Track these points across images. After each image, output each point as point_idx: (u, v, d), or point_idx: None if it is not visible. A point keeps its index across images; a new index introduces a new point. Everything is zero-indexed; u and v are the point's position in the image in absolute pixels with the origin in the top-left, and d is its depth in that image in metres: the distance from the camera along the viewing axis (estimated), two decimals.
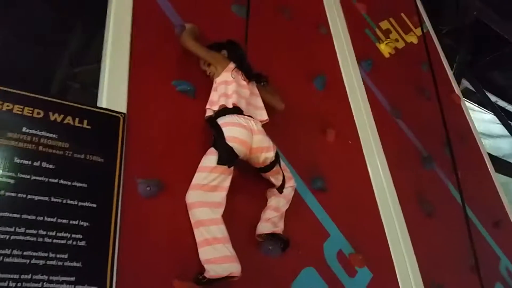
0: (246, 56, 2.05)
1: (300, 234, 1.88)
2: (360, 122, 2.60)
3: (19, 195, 1.29)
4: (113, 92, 1.66)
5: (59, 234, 1.30)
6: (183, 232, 1.56)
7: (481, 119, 6.32)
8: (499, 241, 2.97)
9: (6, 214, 1.24)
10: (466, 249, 2.44)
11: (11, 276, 1.17)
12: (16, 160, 1.33)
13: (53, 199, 1.34)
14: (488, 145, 5.84)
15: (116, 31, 1.83)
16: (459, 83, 4.62)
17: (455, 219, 2.66)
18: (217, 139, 1.68)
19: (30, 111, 1.44)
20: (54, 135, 1.44)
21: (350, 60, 2.88)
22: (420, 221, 2.50)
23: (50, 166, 1.38)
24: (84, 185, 1.41)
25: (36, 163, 1.36)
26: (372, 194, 2.35)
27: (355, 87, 2.76)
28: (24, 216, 1.27)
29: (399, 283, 2.11)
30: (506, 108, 6.38)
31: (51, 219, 1.31)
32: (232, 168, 1.65)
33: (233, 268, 1.48)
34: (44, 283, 1.21)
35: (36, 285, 1.20)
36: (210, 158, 1.64)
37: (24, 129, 1.39)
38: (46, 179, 1.36)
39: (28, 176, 1.33)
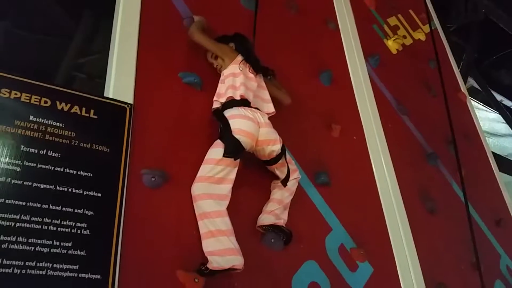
0: (254, 49, 2.04)
1: (303, 227, 1.89)
2: (366, 118, 2.60)
3: (25, 183, 1.30)
4: (120, 83, 1.66)
5: (64, 223, 1.31)
6: (187, 223, 1.57)
7: (486, 118, 6.30)
8: (500, 239, 2.98)
9: (12, 201, 1.25)
10: (467, 246, 2.44)
11: (16, 262, 1.18)
12: (23, 148, 1.34)
13: (58, 188, 1.35)
14: (492, 144, 5.83)
15: (124, 21, 1.83)
16: (465, 81, 4.60)
17: (457, 216, 2.66)
18: (223, 131, 1.69)
19: (38, 100, 1.44)
20: (60, 124, 1.44)
21: (357, 56, 2.87)
22: (422, 217, 2.51)
23: (56, 154, 1.39)
24: (90, 174, 1.42)
25: (43, 152, 1.37)
26: (375, 190, 2.35)
27: (362, 83, 2.75)
28: (29, 204, 1.27)
29: (400, 278, 2.12)
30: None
31: (56, 208, 1.32)
32: (238, 160, 1.65)
33: (236, 260, 1.49)
34: (48, 271, 1.22)
35: (40, 272, 1.21)
36: (217, 150, 1.64)
37: (31, 118, 1.40)
38: (52, 168, 1.37)
39: (34, 164, 1.34)
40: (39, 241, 1.24)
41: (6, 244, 1.19)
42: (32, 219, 1.26)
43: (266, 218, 1.75)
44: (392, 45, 3.30)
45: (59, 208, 1.32)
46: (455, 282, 2.41)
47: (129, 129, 1.57)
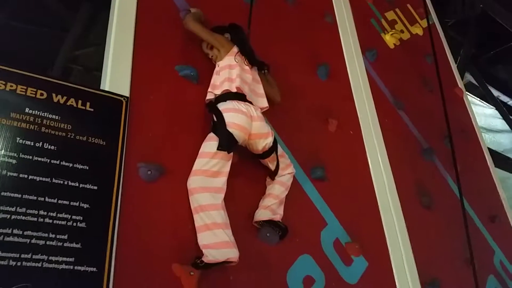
0: (249, 40, 2.03)
1: (298, 222, 1.89)
2: (362, 112, 2.60)
3: (21, 175, 1.30)
4: (116, 76, 1.66)
5: (60, 215, 1.31)
6: (183, 217, 1.57)
7: (483, 113, 6.31)
8: (494, 235, 3.00)
9: (8, 194, 1.25)
10: (462, 241, 2.46)
11: (11, 255, 1.19)
12: (19, 140, 1.34)
13: (54, 180, 1.35)
14: (488, 140, 5.86)
15: (121, 14, 1.82)
16: (462, 76, 4.61)
17: (452, 211, 2.68)
18: (217, 124, 1.69)
19: (34, 92, 1.44)
20: (57, 117, 1.44)
21: (355, 50, 2.87)
22: (417, 212, 2.52)
23: (52, 147, 1.39)
24: (86, 167, 1.42)
25: (38, 144, 1.37)
26: (371, 185, 2.36)
27: (359, 77, 2.75)
28: (25, 196, 1.28)
29: (394, 272, 2.13)
30: (508, 103, 6.38)
31: (52, 200, 1.32)
32: (232, 153, 1.66)
33: (230, 253, 1.50)
34: (44, 263, 1.23)
35: (35, 264, 1.21)
36: (211, 144, 1.65)
37: (27, 110, 1.40)
38: (48, 160, 1.37)
39: (30, 157, 1.34)
40: (34, 234, 1.25)
41: (2, 236, 1.20)
42: (28, 211, 1.26)
43: (263, 214, 1.76)
44: (390, 39, 3.29)
45: (55, 200, 1.32)
46: (449, 276, 2.43)
47: (125, 122, 1.57)
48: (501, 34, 5.32)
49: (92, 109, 1.52)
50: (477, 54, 5.68)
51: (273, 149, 1.80)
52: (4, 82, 1.40)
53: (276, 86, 2.07)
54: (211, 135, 1.68)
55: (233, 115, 1.69)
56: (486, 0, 4.84)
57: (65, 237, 1.29)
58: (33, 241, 1.24)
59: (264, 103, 1.89)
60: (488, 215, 3.07)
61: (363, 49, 2.93)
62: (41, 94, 1.45)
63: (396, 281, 2.11)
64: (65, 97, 1.49)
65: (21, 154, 1.32)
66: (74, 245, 1.30)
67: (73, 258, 1.28)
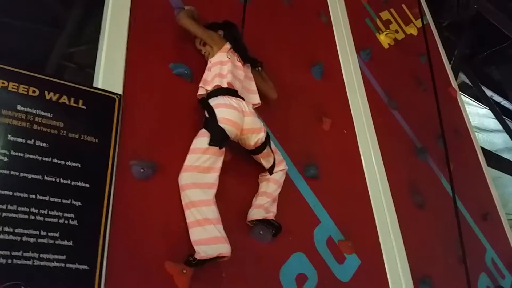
0: (243, 38, 2.04)
1: (291, 220, 1.90)
2: (356, 112, 2.61)
3: (12, 172, 1.29)
4: (109, 73, 1.65)
5: (51, 213, 1.31)
6: (176, 215, 1.57)
7: (476, 113, 6.36)
8: (486, 233, 3.02)
9: None
10: (454, 239, 2.47)
11: (2, 252, 1.18)
12: (10, 137, 1.33)
13: (46, 178, 1.34)
14: (481, 139, 5.89)
15: (115, 11, 1.81)
16: (456, 76, 4.64)
17: (445, 210, 2.69)
18: (209, 120, 1.69)
19: (26, 89, 1.43)
20: (49, 114, 1.43)
21: (349, 50, 2.87)
22: (410, 211, 2.53)
23: (44, 145, 1.38)
24: (78, 164, 1.42)
25: (30, 142, 1.36)
26: (364, 183, 2.37)
27: (353, 77, 2.76)
28: (16, 193, 1.27)
29: (387, 271, 2.14)
30: (501, 103, 6.42)
31: (44, 198, 1.31)
32: (223, 149, 1.66)
33: (222, 248, 1.50)
34: (35, 261, 1.22)
35: (26, 262, 1.21)
36: (202, 139, 1.65)
37: (18, 107, 1.39)
38: (40, 158, 1.36)
39: (22, 154, 1.33)
40: (25, 231, 1.24)
41: None
42: (19, 209, 1.26)
43: (256, 213, 1.76)
44: (384, 39, 3.30)
45: (47, 198, 1.32)
46: (441, 274, 2.44)
47: (118, 120, 1.56)
48: (495, 35, 5.35)
49: (84, 107, 1.52)
50: (471, 54, 5.72)
51: (265, 144, 1.80)
52: None
53: (270, 82, 2.07)
54: (203, 131, 1.68)
55: (225, 111, 1.69)
56: (480, 1, 4.87)
57: (57, 234, 1.29)
58: (24, 238, 1.23)
59: (256, 99, 1.89)
60: (480, 214, 3.10)
61: (357, 49, 2.94)
62: (33, 91, 1.44)
63: (388, 279, 2.13)
64: (57, 95, 1.48)
65: (12, 151, 1.31)
66: (65, 242, 1.30)
67: (64, 256, 1.28)
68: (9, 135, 1.33)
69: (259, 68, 2.03)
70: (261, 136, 1.78)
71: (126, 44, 1.76)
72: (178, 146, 1.69)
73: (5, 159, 1.29)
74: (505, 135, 6.00)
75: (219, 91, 1.76)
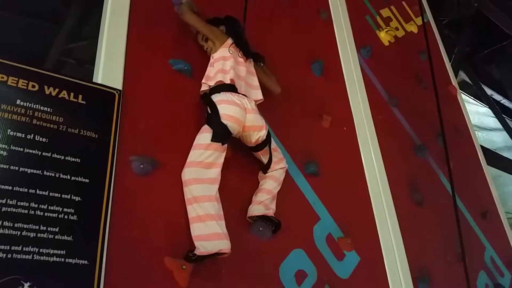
0: (245, 33, 2.03)
1: (291, 217, 1.90)
2: (356, 109, 2.61)
3: (12, 167, 1.29)
4: (109, 69, 1.65)
5: (51, 208, 1.30)
6: (176, 211, 1.57)
7: (476, 112, 6.35)
8: (485, 231, 3.02)
9: None
10: (453, 237, 2.48)
11: (1, 247, 1.18)
12: (9, 132, 1.32)
13: (45, 173, 1.34)
14: (481, 138, 5.89)
15: (114, 6, 1.81)
16: (456, 74, 4.63)
17: (444, 208, 2.70)
18: (211, 116, 1.69)
19: (25, 84, 1.43)
20: (48, 109, 1.43)
21: (349, 47, 2.87)
22: (410, 208, 2.53)
23: (44, 139, 1.38)
24: (77, 160, 1.41)
25: (30, 136, 1.36)
26: (364, 181, 2.37)
27: (353, 74, 2.76)
28: (16, 188, 1.27)
29: (386, 268, 2.15)
30: (501, 102, 6.41)
31: (43, 193, 1.31)
32: (226, 145, 1.67)
33: (222, 245, 1.50)
34: (35, 255, 1.22)
35: (26, 256, 1.21)
36: (205, 135, 1.65)
37: (18, 102, 1.38)
38: (39, 153, 1.36)
39: (21, 149, 1.33)
40: (25, 226, 1.24)
41: None
42: (19, 203, 1.25)
43: (256, 209, 1.76)
44: (385, 36, 3.30)
45: (46, 193, 1.32)
46: (440, 272, 2.45)
47: (118, 115, 1.56)
48: (495, 33, 5.34)
49: (84, 102, 1.51)
50: (471, 53, 5.71)
51: (266, 142, 1.81)
52: None
53: (273, 77, 2.07)
54: (205, 126, 1.68)
55: (227, 107, 1.69)
56: None
57: (56, 229, 1.29)
58: (24, 233, 1.23)
59: (258, 95, 1.89)
60: (479, 212, 3.10)
61: (357, 46, 2.93)
62: (33, 86, 1.43)
63: (387, 276, 2.13)
64: (57, 89, 1.48)
65: (12, 146, 1.31)
66: (65, 237, 1.29)
67: (64, 251, 1.27)
68: (9, 130, 1.33)
69: (261, 63, 2.02)
70: (263, 133, 1.78)
71: (126, 39, 1.76)
72: (178, 142, 1.69)
73: (5, 153, 1.29)
74: (504, 134, 5.99)
75: (221, 87, 1.76)
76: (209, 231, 1.50)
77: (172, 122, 1.74)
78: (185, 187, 1.60)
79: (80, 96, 1.52)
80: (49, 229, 1.27)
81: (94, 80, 1.61)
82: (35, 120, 1.39)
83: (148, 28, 1.89)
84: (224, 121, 1.66)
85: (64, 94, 1.49)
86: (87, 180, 1.40)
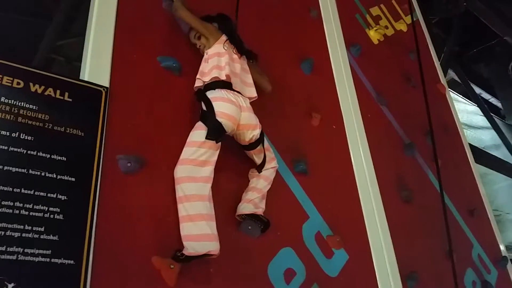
0: (237, 30, 2.02)
1: (280, 215, 1.90)
2: (345, 107, 2.61)
3: None
4: (96, 65, 1.63)
5: (36, 207, 1.29)
6: (163, 209, 1.56)
7: (465, 110, 6.41)
8: (473, 229, 3.05)
9: None
10: (441, 235, 2.50)
11: None
12: None
13: (31, 172, 1.32)
14: (470, 136, 5.95)
15: (102, 2, 1.79)
16: (445, 73, 4.67)
17: (432, 205, 2.72)
18: (206, 113, 1.68)
19: (10, 81, 1.40)
20: (34, 107, 1.41)
21: (339, 45, 2.87)
22: (398, 206, 2.55)
23: (29, 138, 1.36)
24: (63, 158, 1.40)
25: (14, 134, 1.34)
26: (353, 179, 2.38)
27: (342, 72, 2.76)
28: (0, 187, 1.24)
29: (375, 265, 2.16)
30: (490, 100, 6.49)
31: (29, 191, 1.29)
32: (220, 143, 1.65)
33: (211, 246, 1.49)
34: (19, 256, 1.20)
35: (10, 257, 1.19)
36: (199, 132, 1.63)
37: (2, 99, 1.36)
38: (25, 151, 1.34)
39: (6, 147, 1.31)
40: (9, 226, 1.22)
41: None
42: (3, 203, 1.24)
43: (245, 207, 1.76)
44: (374, 35, 3.31)
45: (32, 192, 1.30)
46: (429, 269, 2.47)
47: (105, 113, 1.54)
48: (484, 33, 5.39)
49: (70, 99, 1.49)
50: (460, 52, 5.76)
51: (259, 141, 1.80)
52: None
53: (265, 75, 2.06)
54: (200, 123, 1.67)
55: (223, 104, 1.68)
56: None
57: (42, 229, 1.27)
58: (8, 233, 1.21)
59: (253, 92, 1.88)
60: (467, 210, 3.13)
61: (347, 44, 2.93)
62: (18, 83, 1.41)
63: (376, 273, 2.14)
64: (42, 87, 1.46)
65: None
66: (51, 237, 1.28)
67: (49, 251, 1.26)
68: None
69: (253, 60, 2.01)
70: (256, 132, 1.78)
71: (113, 36, 1.74)
72: (166, 140, 1.68)
73: None
74: (493, 132, 6.07)
75: (217, 84, 1.74)
76: (198, 232, 1.49)
77: (160, 120, 1.72)
78: (177, 185, 1.58)
79: (67, 94, 1.49)
80: (34, 228, 1.26)
81: (81, 77, 1.59)
82: (20, 118, 1.37)
83: (136, 24, 1.86)
84: (219, 118, 1.65)
85: (50, 92, 1.47)
86: (73, 179, 1.39)
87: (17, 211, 1.25)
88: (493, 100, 6.52)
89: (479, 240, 3.04)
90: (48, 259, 1.25)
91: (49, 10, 3.21)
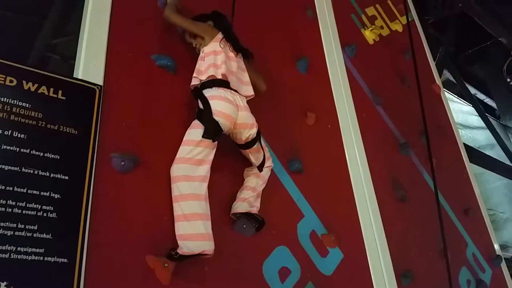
0: (233, 28, 2.02)
1: (275, 214, 1.90)
2: (341, 107, 2.61)
3: None
4: (90, 64, 1.62)
5: (29, 205, 1.28)
6: (157, 208, 1.56)
7: (460, 110, 6.44)
8: (467, 228, 3.07)
9: None
10: (435, 234, 2.51)
11: None
12: None
13: (24, 170, 1.31)
14: (464, 136, 5.98)
15: (96, 1, 1.78)
16: (440, 73, 4.68)
17: (427, 205, 2.73)
18: (203, 112, 1.67)
19: (3, 79, 1.39)
20: (27, 105, 1.40)
21: (334, 45, 2.88)
22: (393, 205, 2.56)
23: (22, 136, 1.35)
24: (57, 156, 1.39)
25: (7, 133, 1.33)
26: (348, 178, 2.38)
27: (338, 72, 2.76)
28: None
29: (369, 264, 2.16)
30: (485, 101, 6.52)
31: (22, 190, 1.28)
32: (216, 142, 1.65)
33: (206, 246, 1.49)
34: (12, 254, 1.20)
35: (3, 255, 1.18)
36: (196, 131, 1.63)
37: None
38: (18, 149, 1.33)
39: None
40: (2, 224, 1.21)
41: None
42: None
43: (240, 206, 1.76)
44: (369, 35, 3.31)
45: (25, 190, 1.29)
46: (423, 268, 2.48)
47: (98, 111, 1.54)
48: (479, 34, 5.41)
49: (64, 98, 1.49)
50: (455, 52, 5.78)
51: (255, 140, 1.80)
52: None
53: (261, 74, 2.06)
54: (196, 122, 1.66)
55: (220, 103, 1.67)
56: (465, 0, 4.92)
57: (35, 227, 1.27)
58: (0, 231, 1.20)
59: (249, 91, 1.88)
60: (462, 209, 3.14)
61: (343, 44, 2.94)
62: (11, 81, 1.40)
63: (371, 272, 2.15)
64: (36, 85, 1.45)
65: None
66: (44, 235, 1.27)
67: (43, 249, 1.25)
68: None
69: (249, 59, 2.00)
70: (253, 132, 1.77)
71: (108, 34, 1.73)
72: (160, 138, 1.68)
73: None
74: (487, 132, 6.09)
75: (213, 82, 1.73)
76: (193, 231, 1.49)
77: (154, 119, 1.72)
78: (173, 184, 1.58)
79: (60, 92, 1.49)
80: (27, 227, 1.25)
81: (74, 76, 1.58)
82: (13, 116, 1.36)
83: (130, 22, 1.86)
84: (216, 117, 1.64)
85: (43, 90, 1.46)
86: (66, 177, 1.38)
87: (10, 210, 1.24)
88: (488, 101, 6.55)
89: (474, 239, 3.06)
90: (41, 258, 1.24)
91: (44, 8, 3.20)
